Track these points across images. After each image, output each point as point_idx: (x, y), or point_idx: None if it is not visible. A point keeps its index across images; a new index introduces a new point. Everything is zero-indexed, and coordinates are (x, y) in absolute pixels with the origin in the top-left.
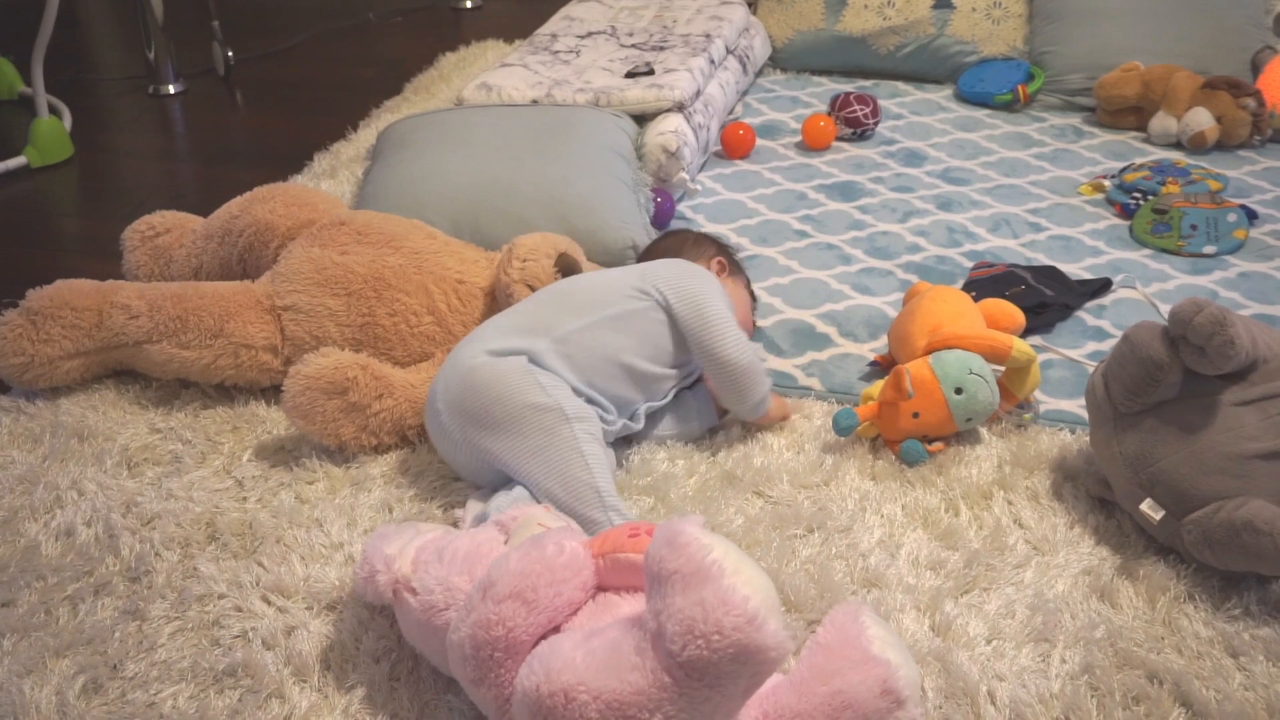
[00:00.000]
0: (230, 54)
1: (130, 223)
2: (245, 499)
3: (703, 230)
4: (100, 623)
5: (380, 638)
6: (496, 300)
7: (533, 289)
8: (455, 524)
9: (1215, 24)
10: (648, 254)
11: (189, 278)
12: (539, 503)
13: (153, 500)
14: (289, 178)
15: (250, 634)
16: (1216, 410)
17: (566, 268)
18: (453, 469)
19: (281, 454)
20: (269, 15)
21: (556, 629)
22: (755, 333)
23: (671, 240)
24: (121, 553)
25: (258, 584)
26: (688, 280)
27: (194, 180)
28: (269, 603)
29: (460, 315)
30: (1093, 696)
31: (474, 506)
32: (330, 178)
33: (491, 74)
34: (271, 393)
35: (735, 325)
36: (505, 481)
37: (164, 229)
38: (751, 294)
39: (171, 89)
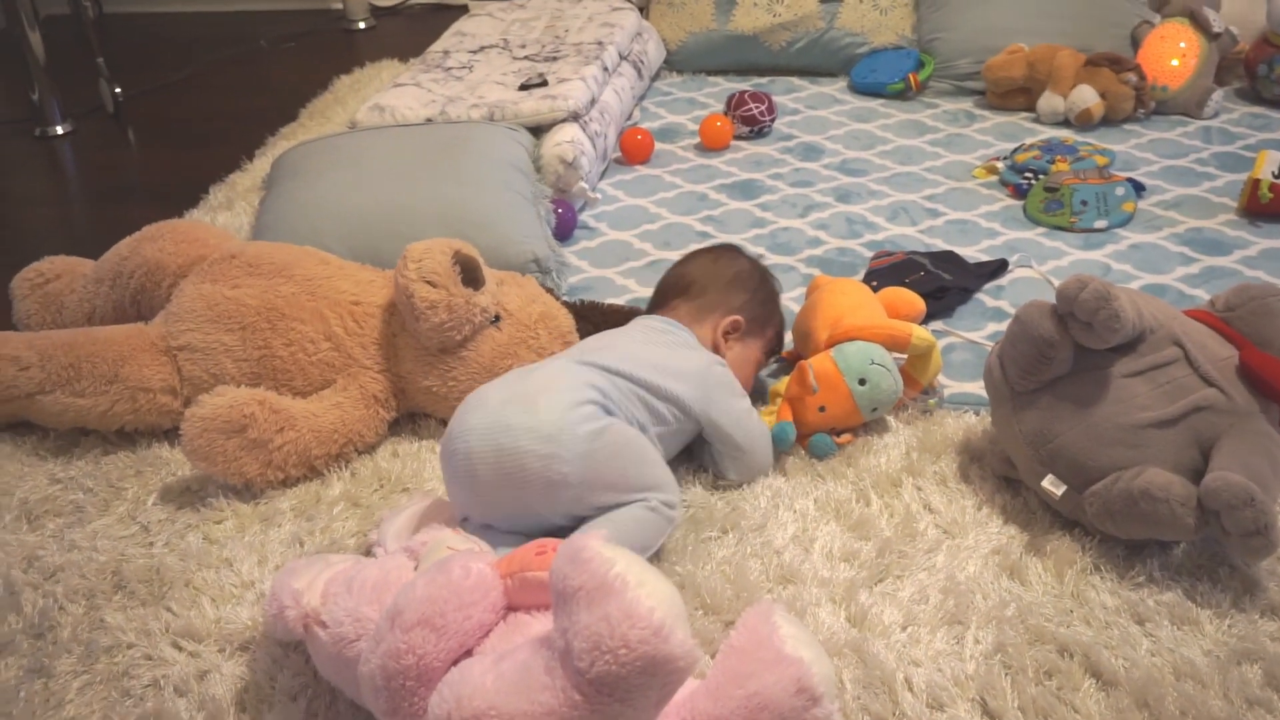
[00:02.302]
0: (118, 90)
1: (19, 270)
2: (151, 544)
3: (747, 268)
4: (4, 684)
5: (296, 674)
6: (397, 312)
7: (432, 284)
8: (370, 550)
9: (1094, 1)
10: (683, 271)
11: (82, 323)
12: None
13: (55, 553)
14: (185, 213)
15: (161, 682)
16: (1108, 383)
17: (465, 265)
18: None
19: (187, 495)
20: (156, 48)
21: (468, 653)
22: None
23: (709, 268)
24: (24, 609)
25: (167, 630)
26: (722, 398)
27: (88, 222)
28: (180, 648)
29: (358, 337)
30: (1006, 674)
31: (391, 523)
32: (227, 210)
33: (384, 95)
34: (174, 434)
35: (755, 424)
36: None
37: (54, 275)
38: (776, 343)
39: (59, 130)
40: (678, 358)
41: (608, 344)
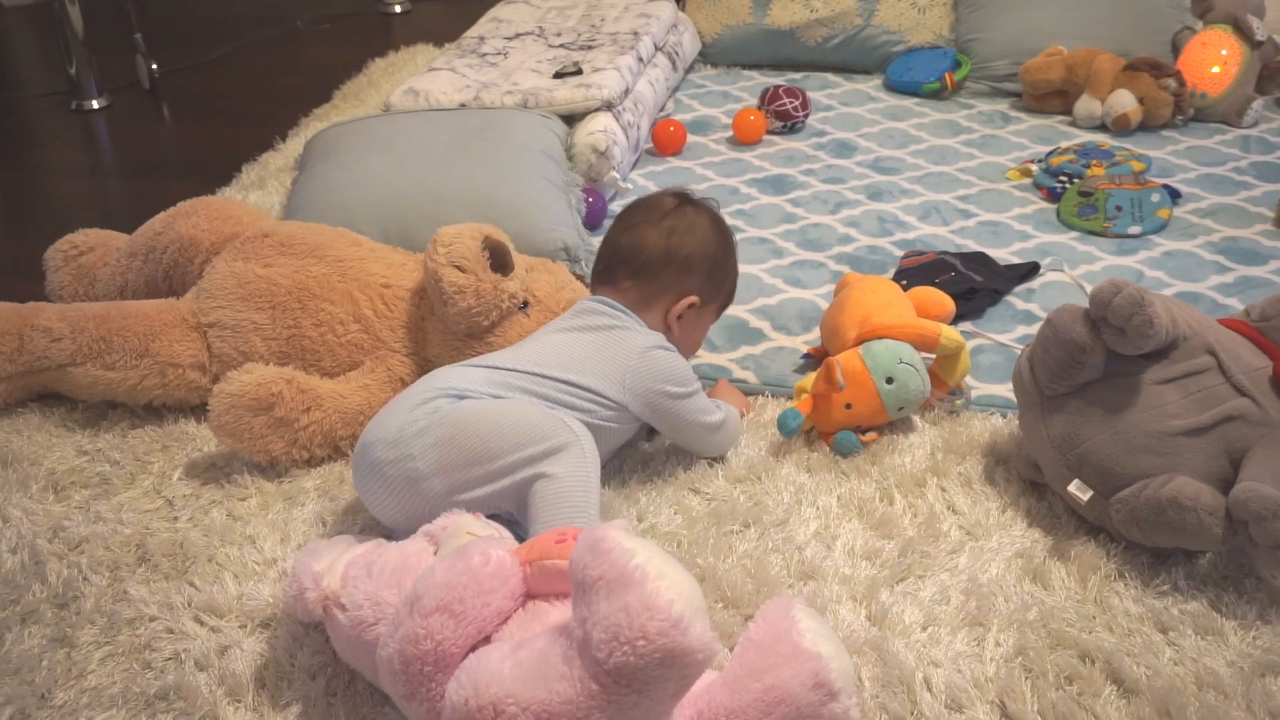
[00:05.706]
0: (154, 66)
1: (54, 242)
2: (176, 518)
3: (700, 241)
4: (28, 652)
5: (315, 653)
6: (426, 296)
7: (461, 269)
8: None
9: (1135, 6)
10: (635, 246)
11: (114, 297)
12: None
13: (80, 524)
14: (217, 190)
15: (182, 655)
16: (1139, 389)
17: (495, 250)
18: (385, 520)
19: (212, 471)
20: (193, 26)
21: (486, 639)
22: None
23: (662, 244)
24: (49, 579)
25: (189, 604)
26: (662, 401)
27: (121, 196)
28: (201, 623)
29: (387, 320)
30: (1027, 678)
31: None
32: (259, 189)
33: (419, 79)
34: (201, 410)
35: (709, 415)
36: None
37: (87, 248)
38: (728, 299)
39: (95, 104)
40: (604, 353)
41: (522, 344)
